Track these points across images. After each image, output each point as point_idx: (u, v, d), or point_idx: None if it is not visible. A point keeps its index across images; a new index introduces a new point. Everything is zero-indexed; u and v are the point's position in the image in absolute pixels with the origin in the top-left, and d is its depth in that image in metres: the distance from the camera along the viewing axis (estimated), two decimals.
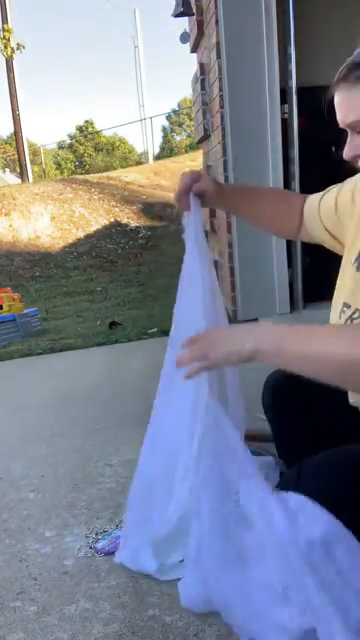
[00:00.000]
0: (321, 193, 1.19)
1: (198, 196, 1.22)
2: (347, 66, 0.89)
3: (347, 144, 0.92)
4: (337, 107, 0.92)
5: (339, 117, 0.92)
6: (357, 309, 0.99)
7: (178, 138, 34.65)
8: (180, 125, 34.08)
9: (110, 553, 1.36)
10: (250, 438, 1.90)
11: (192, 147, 18.37)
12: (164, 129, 35.26)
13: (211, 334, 0.97)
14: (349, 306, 1.01)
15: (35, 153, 24.00)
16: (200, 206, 1.23)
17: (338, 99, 0.91)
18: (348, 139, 0.93)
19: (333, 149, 3.25)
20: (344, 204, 1.10)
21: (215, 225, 4.10)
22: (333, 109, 0.93)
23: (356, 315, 0.99)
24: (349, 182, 1.12)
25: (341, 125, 0.93)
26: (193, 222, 1.22)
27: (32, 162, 18.26)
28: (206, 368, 0.93)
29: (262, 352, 0.84)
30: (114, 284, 7.06)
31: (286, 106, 3.52)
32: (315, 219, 1.18)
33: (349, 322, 0.99)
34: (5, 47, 9.52)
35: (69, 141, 34.69)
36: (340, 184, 1.15)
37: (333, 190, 1.16)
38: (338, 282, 1.09)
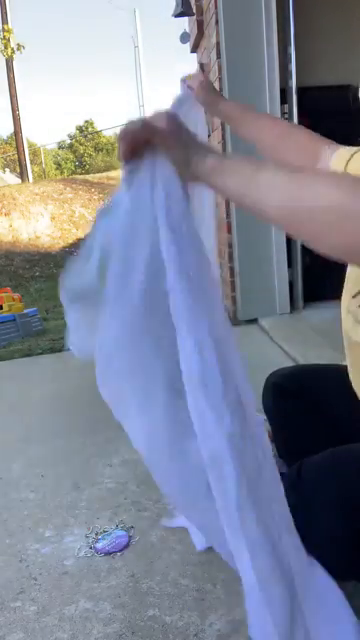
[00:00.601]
0: (349, 150, 1.05)
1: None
2: None
3: None
4: None
5: None
6: None
7: None
8: None
9: (110, 553, 1.36)
10: None
11: None
12: None
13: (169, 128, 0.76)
14: None
15: (35, 153, 24.02)
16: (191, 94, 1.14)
17: None
18: None
19: None
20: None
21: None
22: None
23: None
24: None
25: None
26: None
27: (32, 162, 18.27)
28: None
29: (204, 164, 0.73)
30: None
31: (286, 106, 3.52)
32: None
33: None
34: (5, 47, 9.52)
35: (69, 141, 34.72)
36: None
37: None
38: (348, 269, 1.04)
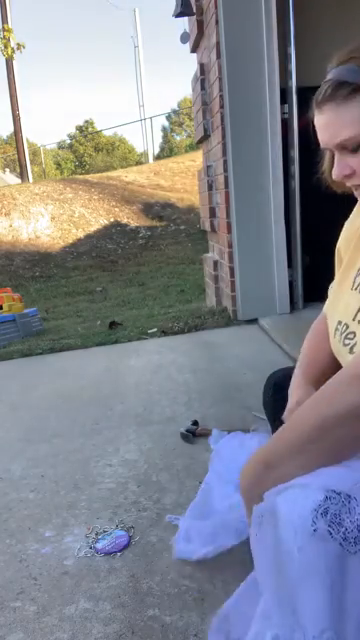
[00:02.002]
0: (328, 298, 1.15)
1: None
2: (331, 86, 0.86)
3: (336, 164, 0.90)
4: (324, 128, 0.89)
5: (326, 138, 0.89)
6: (347, 324, 0.98)
7: (178, 138, 34.69)
8: (180, 125, 34.11)
9: (110, 553, 1.36)
10: None
11: (192, 147, 18.37)
12: (164, 129, 35.32)
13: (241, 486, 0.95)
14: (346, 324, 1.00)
15: (35, 153, 24.01)
16: None
17: (325, 120, 0.88)
18: (336, 160, 0.90)
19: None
20: (345, 243, 1.07)
21: (215, 225, 4.10)
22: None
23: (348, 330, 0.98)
24: (344, 231, 1.10)
25: (326, 146, 0.91)
26: None
27: (32, 162, 18.26)
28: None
29: (259, 480, 0.86)
30: (114, 284, 7.06)
31: (286, 106, 3.52)
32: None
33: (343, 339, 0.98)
34: (5, 47, 9.49)
35: (69, 141, 34.73)
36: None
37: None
38: (330, 305, 1.08)
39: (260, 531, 0.79)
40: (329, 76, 0.88)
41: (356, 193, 0.95)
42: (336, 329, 1.01)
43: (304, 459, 0.82)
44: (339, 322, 1.01)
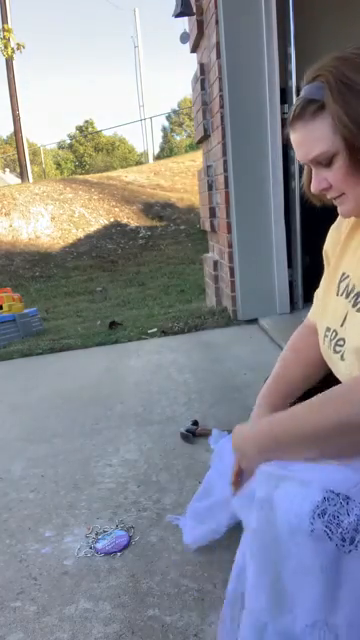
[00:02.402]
0: (314, 303, 1.22)
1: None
2: (300, 104, 0.89)
3: (314, 179, 0.93)
4: (297, 146, 0.92)
5: (300, 155, 0.93)
6: (335, 330, 0.99)
7: (178, 138, 34.70)
8: (180, 125, 34.11)
9: (110, 553, 1.36)
10: None
11: (192, 147, 18.37)
12: (164, 129, 35.34)
13: (236, 445, 1.03)
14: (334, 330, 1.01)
15: (35, 153, 24.01)
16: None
17: (297, 138, 0.92)
18: (313, 174, 0.93)
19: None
20: (332, 247, 1.10)
21: (215, 225, 4.10)
22: None
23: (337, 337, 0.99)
24: (329, 237, 1.12)
25: (303, 162, 0.94)
26: None
27: (32, 162, 18.26)
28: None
29: (265, 452, 0.90)
30: (114, 284, 7.06)
31: (286, 106, 3.52)
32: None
33: (332, 345, 0.99)
34: (5, 47, 9.50)
35: (69, 141, 34.74)
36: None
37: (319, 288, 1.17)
38: (318, 311, 1.10)
39: (259, 517, 0.79)
40: (302, 94, 0.90)
41: (336, 202, 0.97)
42: (325, 335, 1.02)
43: (316, 452, 0.85)
44: (327, 328, 1.02)
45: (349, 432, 0.82)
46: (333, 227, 1.11)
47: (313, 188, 0.94)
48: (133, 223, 9.66)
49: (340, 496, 0.73)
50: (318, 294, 1.18)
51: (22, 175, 14.54)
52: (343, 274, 1.01)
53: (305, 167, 0.99)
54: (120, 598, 1.20)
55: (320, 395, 0.89)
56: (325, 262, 1.15)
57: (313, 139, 0.89)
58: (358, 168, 0.88)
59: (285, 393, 1.13)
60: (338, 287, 1.01)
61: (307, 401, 0.90)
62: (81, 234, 9.23)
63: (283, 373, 1.16)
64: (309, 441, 0.86)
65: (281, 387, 1.14)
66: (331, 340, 0.99)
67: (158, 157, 22.70)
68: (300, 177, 3.58)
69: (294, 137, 0.93)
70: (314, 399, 0.89)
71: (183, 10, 3.76)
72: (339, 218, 1.09)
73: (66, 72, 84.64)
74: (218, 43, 3.41)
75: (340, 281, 1.01)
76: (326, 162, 0.90)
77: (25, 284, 7.61)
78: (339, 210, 0.97)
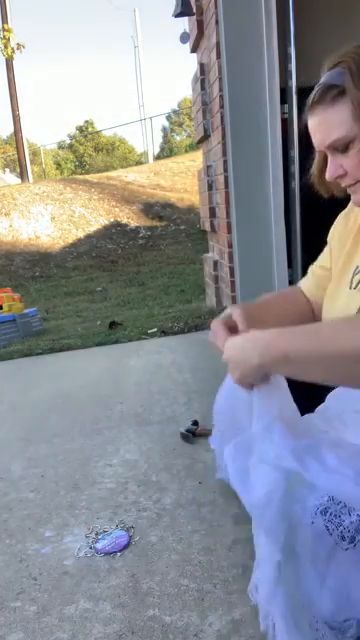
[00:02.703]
0: (307, 276, 1.23)
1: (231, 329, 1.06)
2: (320, 89, 0.90)
3: (329, 165, 0.93)
4: (315, 130, 0.92)
5: (318, 140, 0.93)
6: None
7: (178, 138, 34.67)
8: (180, 125, 34.10)
9: (110, 553, 1.36)
10: None
11: (192, 147, 18.36)
12: (164, 129, 35.31)
13: (229, 356, 0.94)
14: None
15: (35, 153, 24.00)
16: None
17: (316, 122, 0.92)
18: (329, 161, 0.93)
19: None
20: (338, 236, 1.10)
21: (215, 225, 4.10)
22: None
23: None
24: (338, 219, 1.12)
25: (320, 148, 0.94)
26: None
27: (32, 162, 18.27)
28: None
29: (268, 365, 0.83)
30: (114, 284, 7.06)
31: (286, 106, 3.52)
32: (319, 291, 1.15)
33: None
34: (5, 47, 9.51)
35: (69, 141, 34.73)
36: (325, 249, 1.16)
37: (319, 259, 1.19)
38: (327, 303, 1.07)
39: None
40: (322, 79, 0.91)
41: (350, 190, 0.96)
42: None
43: (332, 376, 0.79)
44: None
45: None
46: (342, 214, 1.11)
47: (328, 175, 0.94)
48: (133, 223, 9.66)
49: (342, 503, 0.73)
50: (314, 271, 1.20)
51: (22, 175, 14.54)
52: (357, 267, 1.00)
53: (317, 156, 0.99)
54: (120, 598, 1.20)
55: (349, 317, 0.85)
56: (328, 245, 1.15)
57: (332, 124, 0.89)
58: None
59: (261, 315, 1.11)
60: (351, 280, 1.00)
61: (330, 320, 0.86)
62: (81, 234, 9.23)
63: (265, 300, 1.18)
64: (329, 363, 0.77)
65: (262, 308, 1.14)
66: None
67: (158, 157, 22.69)
68: (300, 177, 3.59)
69: (312, 122, 0.92)
70: (338, 320, 0.84)
71: (183, 10, 3.77)
72: (350, 205, 1.08)
73: (66, 72, 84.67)
74: (218, 43, 3.41)
75: (355, 274, 1.00)
76: (343, 148, 0.90)
77: (25, 284, 7.61)
78: (353, 199, 0.97)
